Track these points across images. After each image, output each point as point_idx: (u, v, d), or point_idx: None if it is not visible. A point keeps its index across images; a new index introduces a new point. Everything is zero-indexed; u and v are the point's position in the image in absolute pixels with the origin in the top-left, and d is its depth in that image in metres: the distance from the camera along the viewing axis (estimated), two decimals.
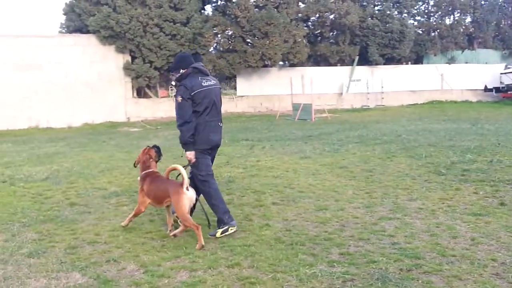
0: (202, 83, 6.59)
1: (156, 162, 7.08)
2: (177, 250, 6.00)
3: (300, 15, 30.55)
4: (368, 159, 12.04)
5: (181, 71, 6.62)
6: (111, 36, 26.68)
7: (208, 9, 30.30)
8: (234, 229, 6.53)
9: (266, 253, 5.77)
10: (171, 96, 29.04)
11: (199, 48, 27.58)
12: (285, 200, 8.32)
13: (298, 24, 29.61)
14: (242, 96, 30.57)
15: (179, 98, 6.44)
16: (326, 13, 30.59)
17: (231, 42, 28.78)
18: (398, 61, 33.36)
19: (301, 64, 31.20)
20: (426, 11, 36.20)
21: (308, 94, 27.54)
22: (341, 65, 32.61)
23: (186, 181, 6.23)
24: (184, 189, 6.21)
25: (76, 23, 28.53)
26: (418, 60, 35.12)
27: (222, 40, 29.03)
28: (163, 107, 28.89)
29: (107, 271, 5.43)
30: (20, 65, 26.19)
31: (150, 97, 29.44)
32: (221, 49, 29.69)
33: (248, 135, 18.11)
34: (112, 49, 27.47)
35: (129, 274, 5.34)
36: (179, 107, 6.44)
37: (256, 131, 19.68)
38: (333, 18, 31.02)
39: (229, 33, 28.82)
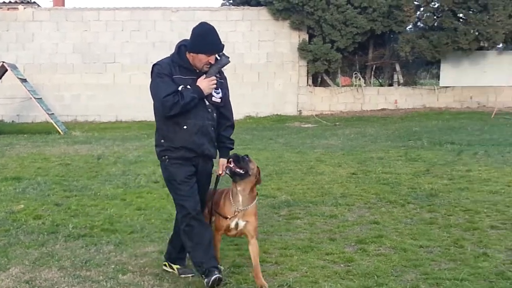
0: None
1: None
2: (366, 279, 5.96)
3: None
4: None
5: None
6: (286, 8, 27.02)
7: None
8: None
9: None
10: (355, 85, 28.99)
11: (395, 25, 27.07)
12: (508, 224, 7.96)
13: None
14: (447, 87, 29.63)
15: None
16: None
17: (438, 17, 28.00)
18: None
19: None
20: None
21: None
22: None
23: None
24: None
25: None
26: None
27: (425, 14, 28.34)
28: (343, 98, 28.89)
29: None
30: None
31: (329, 85, 29.59)
32: (423, 26, 29.02)
33: (454, 137, 17.56)
34: (286, 25, 27.91)
35: None
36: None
37: (465, 133, 19.03)
38: None
39: (435, 6, 28.06)
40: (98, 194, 10.25)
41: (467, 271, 6.09)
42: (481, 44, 28.01)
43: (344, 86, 29.82)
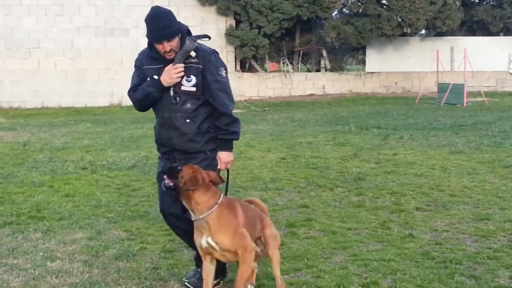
0: None
1: None
2: (296, 261, 6.06)
3: None
4: None
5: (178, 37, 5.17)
6: None
7: None
8: None
9: (411, 271, 5.70)
10: (283, 71, 29.18)
11: (321, 11, 27.38)
12: (433, 205, 8.20)
13: None
14: (372, 72, 30.19)
15: (224, 73, 5.34)
16: None
17: (362, 3, 28.50)
18: None
19: (452, 33, 30.33)
20: None
21: (459, 72, 26.72)
22: (505, 35, 31.39)
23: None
24: None
25: None
26: None
27: (350, 1, 28.79)
28: (272, 83, 29.09)
29: None
30: (103, 29, 27.19)
31: (257, 71, 29.71)
32: (348, 12, 29.41)
33: (380, 122, 17.91)
34: (212, 11, 27.87)
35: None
36: (228, 85, 5.39)
37: (391, 117, 19.41)
38: None
39: None
40: (25, 181, 10.05)
41: (394, 252, 6.24)
42: (404, 30, 28.59)
43: (272, 71, 29.97)
